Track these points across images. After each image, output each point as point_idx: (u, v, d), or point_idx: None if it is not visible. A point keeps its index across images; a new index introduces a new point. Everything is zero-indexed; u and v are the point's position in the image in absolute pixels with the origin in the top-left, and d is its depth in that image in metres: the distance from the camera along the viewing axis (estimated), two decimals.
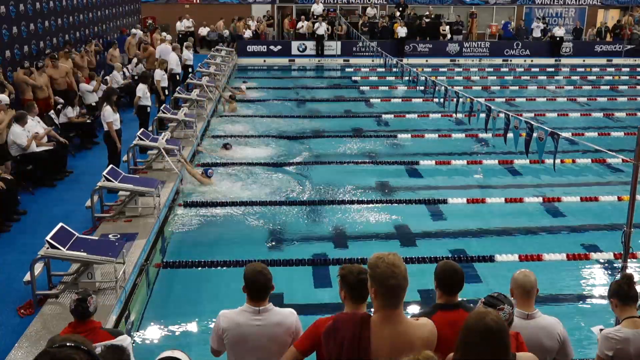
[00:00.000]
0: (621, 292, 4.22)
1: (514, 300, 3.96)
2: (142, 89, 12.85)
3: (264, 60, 26.28)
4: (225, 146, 13.00)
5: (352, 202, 10.14)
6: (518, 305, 3.98)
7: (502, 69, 25.23)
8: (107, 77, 16.51)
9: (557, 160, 8.73)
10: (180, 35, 26.69)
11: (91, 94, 14.04)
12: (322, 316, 3.63)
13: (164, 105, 13.88)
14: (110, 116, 10.20)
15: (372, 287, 3.24)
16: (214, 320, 4.07)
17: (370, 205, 10.08)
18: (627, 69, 25.62)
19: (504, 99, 18.75)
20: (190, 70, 19.03)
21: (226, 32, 28.53)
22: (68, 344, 2.27)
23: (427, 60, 26.41)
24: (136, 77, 16.93)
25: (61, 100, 12.97)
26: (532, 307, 4.00)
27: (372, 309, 3.35)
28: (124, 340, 4.31)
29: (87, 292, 4.62)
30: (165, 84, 15.11)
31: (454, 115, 13.33)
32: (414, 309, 6.84)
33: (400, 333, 3.24)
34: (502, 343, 2.90)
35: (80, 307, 4.49)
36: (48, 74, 12.98)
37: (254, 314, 3.88)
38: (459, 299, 3.81)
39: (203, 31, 29.18)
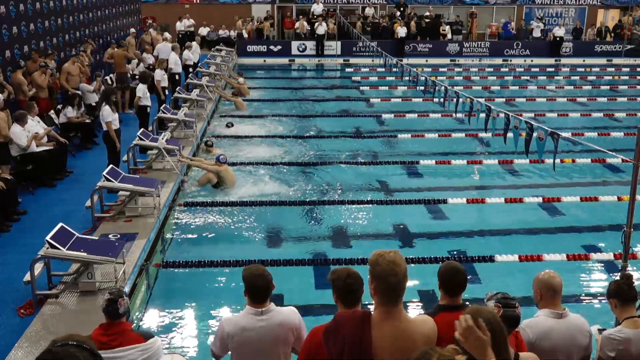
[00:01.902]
0: (621, 292, 4.22)
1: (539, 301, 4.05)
2: (142, 89, 12.84)
3: (264, 60, 26.29)
4: (227, 125, 14.48)
5: (352, 202, 10.14)
6: (547, 306, 4.02)
7: (502, 69, 25.23)
8: (108, 77, 16.52)
9: (557, 160, 8.72)
10: (180, 35, 26.69)
11: (91, 94, 14.04)
12: (322, 316, 3.63)
13: (164, 105, 13.88)
14: (109, 116, 10.19)
15: (372, 284, 3.26)
16: (213, 320, 4.07)
17: (370, 205, 10.08)
18: (627, 69, 25.62)
19: (504, 99, 18.75)
20: (190, 70, 19.02)
21: (243, 32, 28.31)
22: (71, 343, 2.27)
23: (427, 60, 26.41)
24: (137, 77, 16.95)
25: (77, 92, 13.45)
26: (560, 305, 4.03)
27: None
28: (154, 342, 4.25)
29: (119, 292, 4.45)
30: (165, 83, 15.10)
31: (454, 115, 13.32)
32: (414, 309, 6.85)
33: (401, 330, 3.25)
34: (499, 339, 2.90)
35: (111, 308, 4.32)
36: (66, 70, 13.40)
37: (257, 315, 3.90)
38: (462, 301, 3.82)
39: (203, 31, 29.18)
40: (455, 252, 8.38)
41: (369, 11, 29.62)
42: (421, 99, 17.41)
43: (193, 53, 19.97)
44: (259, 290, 3.90)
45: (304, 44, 27.02)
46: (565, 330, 3.92)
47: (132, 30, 20.53)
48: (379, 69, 23.28)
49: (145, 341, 4.22)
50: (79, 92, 13.50)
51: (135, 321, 6.73)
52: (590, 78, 23.49)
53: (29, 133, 10.21)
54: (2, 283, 7.14)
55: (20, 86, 11.65)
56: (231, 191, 10.52)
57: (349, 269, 3.60)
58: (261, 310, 3.90)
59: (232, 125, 14.85)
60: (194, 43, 21.83)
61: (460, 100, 11.94)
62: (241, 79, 19.41)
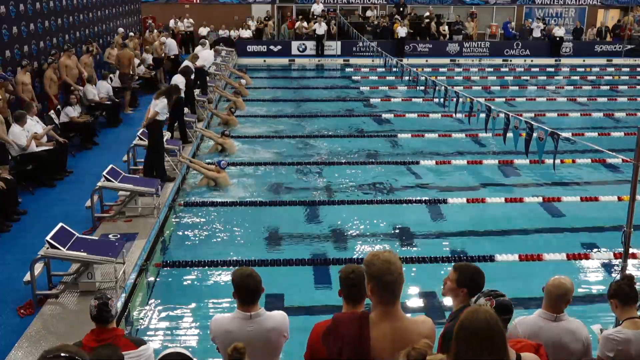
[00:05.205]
0: (622, 292, 4.22)
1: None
2: (181, 82, 12.61)
3: (264, 60, 26.28)
4: (230, 109, 14.82)
5: (352, 202, 10.13)
6: (545, 307, 4.05)
7: (502, 69, 25.22)
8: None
9: (557, 160, 8.72)
10: (180, 36, 26.65)
11: (93, 95, 14.03)
12: (322, 315, 3.63)
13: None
14: (162, 108, 10.17)
15: (369, 284, 3.26)
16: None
17: (370, 205, 10.08)
18: (627, 69, 25.60)
19: (504, 99, 18.75)
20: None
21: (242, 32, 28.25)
22: (62, 355, 2.26)
23: (427, 60, 26.40)
24: (137, 78, 16.94)
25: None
26: (560, 310, 4.04)
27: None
28: (146, 350, 4.21)
29: (105, 295, 4.40)
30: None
31: (454, 115, 13.32)
32: (414, 309, 6.85)
33: (400, 329, 3.26)
34: (498, 340, 2.89)
35: (105, 312, 4.27)
36: (63, 64, 13.34)
37: (246, 319, 3.87)
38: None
39: (203, 31, 29.14)
40: (455, 252, 8.38)
41: (370, 13, 29.61)
42: (421, 99, 17.41)
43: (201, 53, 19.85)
44: (247, 292, 3.87)
45: (304, 44, 27.01)
46: (555, 334, 3.92)
47: (121, 29, 20.38)
48: (379, 69, 23.28)
49: (136, 348, 4.16)
50: (80, 89, 13.50)
51: (136, 321, 6.75)
52: (590, 78, 23.48)
53: (29, 133, 10.21)
54: (2, 283, 7.14)
55: (23, 86, 11.65)
56: (231, 191, 10.52)
57: (353, 265, 3.60)
58: (250, 315, 3.86)
59: (235, 111, 15.04)
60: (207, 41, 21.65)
61: (460, 100, 11.94)
62: (243, 81, 19.36)
